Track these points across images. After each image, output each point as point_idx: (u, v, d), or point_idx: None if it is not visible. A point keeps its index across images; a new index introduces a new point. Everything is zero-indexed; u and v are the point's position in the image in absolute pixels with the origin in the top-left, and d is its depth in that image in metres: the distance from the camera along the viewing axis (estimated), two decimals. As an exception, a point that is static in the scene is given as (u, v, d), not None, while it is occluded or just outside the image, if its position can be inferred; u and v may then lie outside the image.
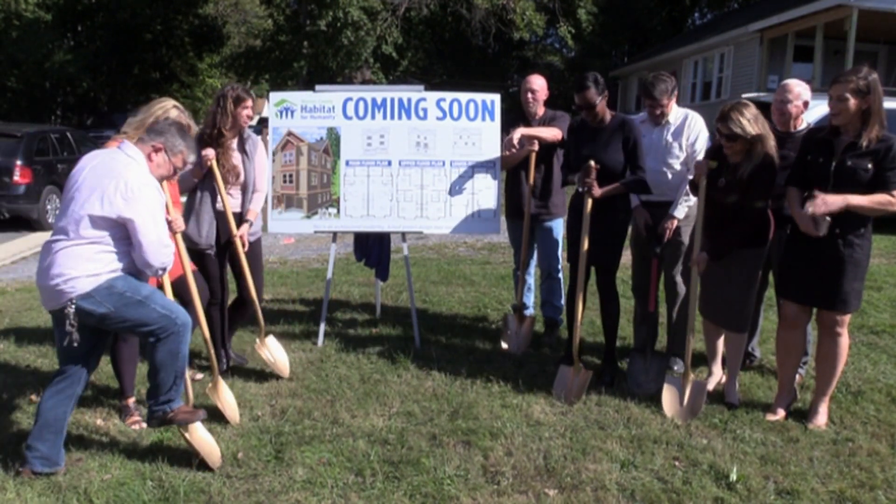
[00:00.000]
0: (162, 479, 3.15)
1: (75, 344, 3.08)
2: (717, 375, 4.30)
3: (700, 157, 4.22)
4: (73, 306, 3.01)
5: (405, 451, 3.44)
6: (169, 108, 3.76)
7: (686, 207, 4.37)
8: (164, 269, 3.19)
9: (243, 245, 4.35)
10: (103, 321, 3.10)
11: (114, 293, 3.06)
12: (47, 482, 3.12)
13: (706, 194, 3.94)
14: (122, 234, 3.07)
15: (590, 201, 4.24)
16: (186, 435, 3.27)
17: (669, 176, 4.40)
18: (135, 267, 3.15)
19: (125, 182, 3.02)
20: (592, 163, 4.20)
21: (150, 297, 3.14)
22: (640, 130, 4.34)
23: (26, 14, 23.42)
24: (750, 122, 3.70)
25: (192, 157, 3.40)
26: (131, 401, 3.85)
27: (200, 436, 3.32)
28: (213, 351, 3.91)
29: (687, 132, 4.38)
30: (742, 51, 18.81)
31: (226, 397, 3.85)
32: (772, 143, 3.78)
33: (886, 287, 6.60)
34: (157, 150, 3.23)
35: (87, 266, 3.02)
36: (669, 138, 4.42)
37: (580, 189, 4.34)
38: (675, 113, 4.45)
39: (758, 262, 3.99)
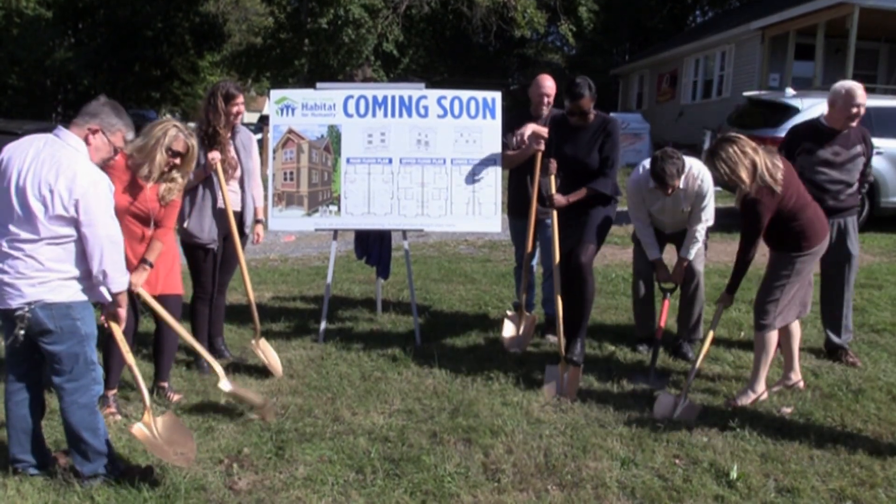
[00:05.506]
0: (162, 477, 3.15)
1: (17, 345, 2.93)
2: (796, 378, 4.15)
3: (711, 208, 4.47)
4: (30, 312, 2.86)
5: (406, 448, 3.45)
6: (169, 128, 3.61)
7: (696, 247, 4.49)
8: (115, 280, 2.95)
9: (256, 240, 4.73)
10: (42, 336, 2.94)
11: (68, 316, 2.93)
12: (47, 480, 3.11)
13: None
14: (74, 231, 2.89)
15: (555, 212, 4.45)
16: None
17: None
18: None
19: (74, 174, 2.83)
20: (552, 174, 4.42)
21: (88, 340, 3.01)
22: (619, 130, 4.48)
23: (27, 12, 23.39)
24: (733, 166, 3.64)
25: (130, 135, 3.18)
26: (165, 383, 4.10)
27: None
28: (200, 348, 3.92)
29: (694, 200, 4.42)
30: (743, 49, 18.77)
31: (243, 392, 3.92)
32: (747, 183, 3.67)
33: (887, 285, 6.59)
34: (93, 132, 2.99)
35: (51, 269, 2.86)
36: (685, 206, 4.44)
37: (545, 197, 4.56)
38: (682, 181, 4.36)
39: (790, 266, 3.89)
